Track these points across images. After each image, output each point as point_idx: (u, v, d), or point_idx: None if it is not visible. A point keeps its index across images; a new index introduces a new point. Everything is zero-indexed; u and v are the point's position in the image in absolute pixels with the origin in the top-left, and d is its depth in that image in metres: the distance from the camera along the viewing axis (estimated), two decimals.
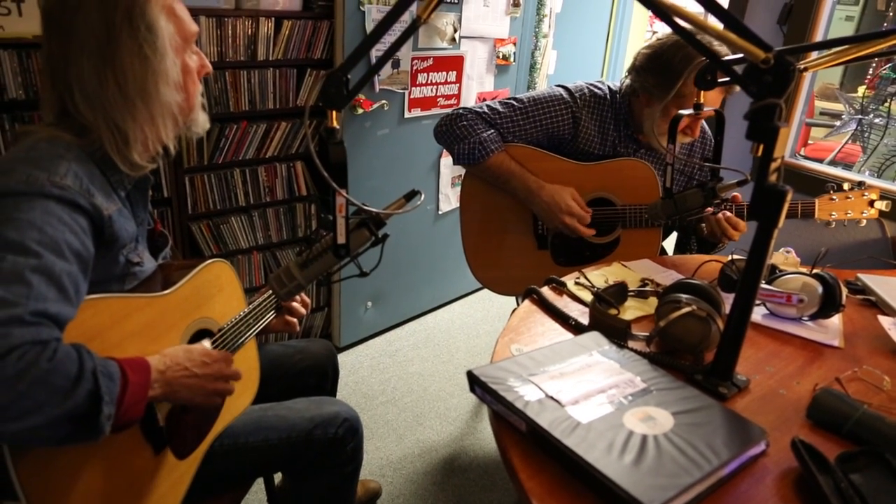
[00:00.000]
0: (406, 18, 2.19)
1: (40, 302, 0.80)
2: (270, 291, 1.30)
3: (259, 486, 1.67)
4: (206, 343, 1.10)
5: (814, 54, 1.38)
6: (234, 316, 1.24)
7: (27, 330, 0.77)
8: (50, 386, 0.77)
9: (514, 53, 2.88)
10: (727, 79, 1.34)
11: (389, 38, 2.11)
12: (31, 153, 0.93)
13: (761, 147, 0.91)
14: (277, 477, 1.69)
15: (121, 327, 0.97)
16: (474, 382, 0.95)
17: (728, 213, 1.67)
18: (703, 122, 1.89)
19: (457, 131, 1.78)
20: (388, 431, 2.24)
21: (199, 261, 1.20)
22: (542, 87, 3.35)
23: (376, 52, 2.25)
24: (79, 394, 0.79)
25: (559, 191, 1.75)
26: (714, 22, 0.96)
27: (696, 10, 0.97)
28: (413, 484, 2.02)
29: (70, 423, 0.80)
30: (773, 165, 0.91)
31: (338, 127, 1.00)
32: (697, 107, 1.42)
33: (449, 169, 2.85)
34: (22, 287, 0.79)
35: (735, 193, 1.66)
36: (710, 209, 1.64)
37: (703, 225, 1.72)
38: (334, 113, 0.98)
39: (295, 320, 1.40)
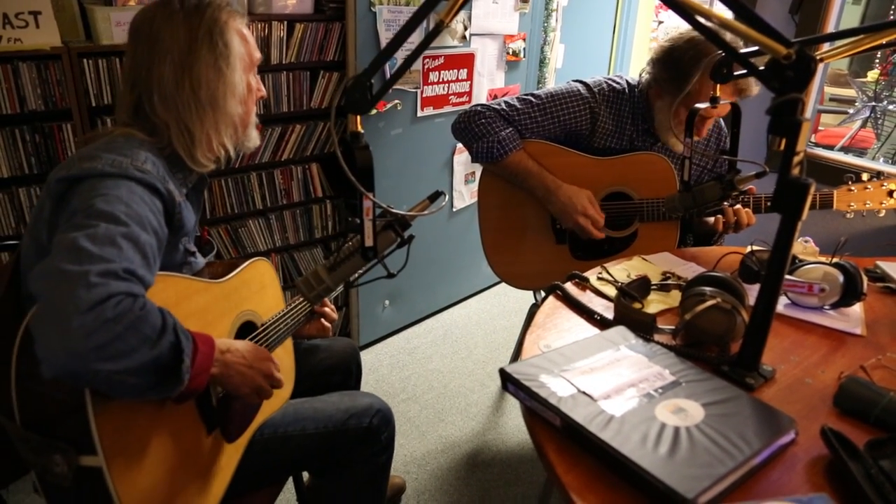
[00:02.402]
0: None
1: (130, 262, 0.89)
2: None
3: (289, 487, 1.70)
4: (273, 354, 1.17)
5: (826, 45, 1.39)
6: (275, 313, 1.31)
7: (122, 283, 0.85)
8: (140, 333, 0.84)
9: (524, 49, 2.89)
10: (743, 71, 1.35)
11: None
12: (111, 144, 1.05)
13: (783, 141, 0.92)
14: (305, 476, 1.71)
15: (184, 306, 1.06)
16: (507, 380, 0.97)
17: (739, 207, 1.68)
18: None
19: (475, 129, 1.80)
20: (410, 428, 2.26)
21: (242, 259, 1.28)
22: (552, 81, 3.35)
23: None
24: (163, 344, 0.87)
25: (576, 192, 1.76)
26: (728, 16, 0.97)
27: (718, 8, 0.99)
28: (437, 480, 2.04)
29: (154, 374, 0.87)
30: (796, 159, 0.92)
31: (362, 131, 1.02)
32: (714, 100, 1.43)
33: (462, 166, 2.87)
34: (115, 249, 0.88)
35: (751, 186, 1.67)
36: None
37: (720, 217, 1.73)
38: (358, 117, 1.01)
39: (329, 325, 1.48)
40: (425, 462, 2.11)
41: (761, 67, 0.93)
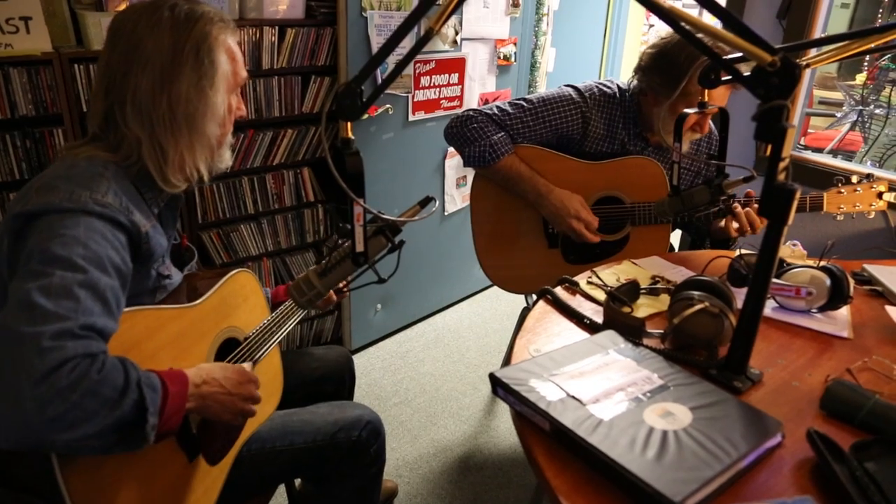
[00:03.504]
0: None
1: (88, 316, 0.84)
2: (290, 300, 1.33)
3: (280, 491, 1.70)
4: (247, 365, 1.14)
5: (814, 50, 1.40)
6: (258, 324, 1.28)
7: (79, 343, 0.80)
8: (99, 397, 0.80)
9: (515, 53, 2.90)
10: (731, 77, 1.36)
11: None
12: (71, 171, 0.97)
13: (769, 147, 0.93)
14: (297, 481, 1.71)
15: (155, 338, 1.01)
16: (497, 384, 0.98)
17: (749, 209, 1.68)
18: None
19: (467, 133, 1.80)
20: (402, 432, 2.27)
21: (224, 271, 1.24)
22: (543, 85, 3.37)
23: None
24: (126, 404, 0.83)
25: (568, 196, 1.77)
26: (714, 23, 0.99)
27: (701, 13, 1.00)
28: (430, 483, 2.05)
29: (118, 432, 0.83)
30: (782, 165, 0.93)
31: (353, 137, 1.02)
32: (702, 105, 1.44)
33: (454, 170, 2.88)
34: (71, 301, 0.83)
35: (748, 189, 1.68)
36: (737, 205, 1.66)
37: (731, 219, 1.70)
38: (349, 124, 1.01)
39: (335, 297, 1.46)
40: (417, 466, 2.11)
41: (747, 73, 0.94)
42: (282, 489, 1.75)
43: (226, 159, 1.20)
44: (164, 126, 1.04)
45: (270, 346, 1.29)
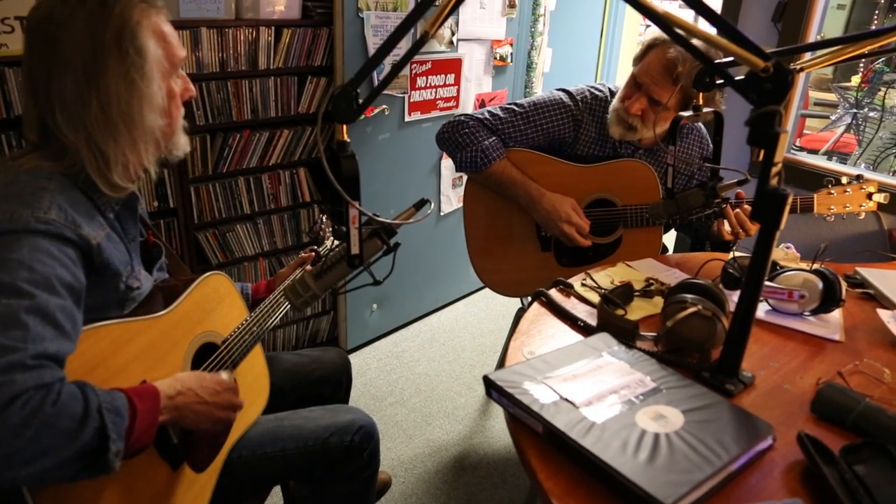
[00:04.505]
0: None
1: (39, 343, 0.79)
2: (272, 297, 1.33)
3: (276, 491, 1.70)
4: (224, 374, 1.11)
5: (808, 54, 1.41)
6: (236, 325, 1.26)
7: (29, 375, 0.76)
8: (56, 429, 0.76)
9: (511, 54, 2.91)
10: (724, 81, 1.37)
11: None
12: (11, 188, 0.92)
13: (762, 152, 0.94)
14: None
15: (123, 352, 0.97)
16: (491, 387, 0.98)
17: (740, 211, 1.69)
18: (701, 125, 1.93)
19: (459, 139, 1.81)
20: (397, 432, 2.27)
21: (195, 276, 1.21)
22: (539, 85, 3.37)
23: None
24: (86, 433, 0.79)
25: (560, 200, 1.78)
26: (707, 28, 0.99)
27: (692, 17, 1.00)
28: (424, 483, 2.05)
29: (80, 462, 0.80)
30: (774, 170, 0.94)
31: (348, 140, 1.03)
32: (696, 108, 1.45)
33: (450, 171, 2.88)
34: (19, 331, 0.78)
35: (739, 191, 1.69)
36: (727, 207, 1.67)
37: (723, 222, 1.70)
38: (345, 127, 1.02)
39: None
40: (412, 465, 2.12)
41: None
42: (277, 490, 1.75)
43: (181, 146, 1.12)
44: (99, 128, 0.96)
45: (252, 345, 1.26)
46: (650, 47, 1.70)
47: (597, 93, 1.87)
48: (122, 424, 0.84)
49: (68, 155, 0.97)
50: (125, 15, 0.96)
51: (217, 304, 1.24)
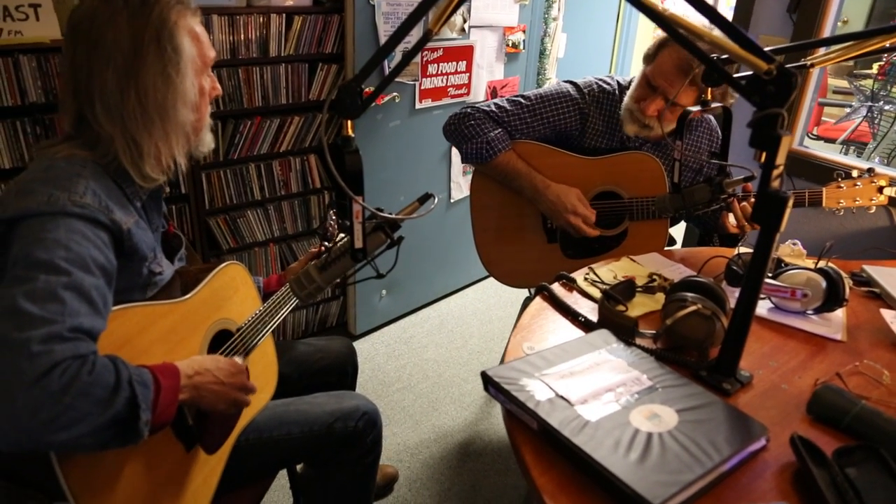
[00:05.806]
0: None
1: (75, 318, 0.85)
2: (282, 291, 1.35)
3: (283, 473, 1.74)
4: (238, 358, 1.15)
5: (821, 49, 1.39)
6: (250, 315, 1.30)
7: (67, 346, 0.81)
8: (92, 397, 0.82)
9: (524, 41, 2.89)
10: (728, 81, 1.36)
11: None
12: (49, 173, 0.97)
13: (764, 154, 0.94)
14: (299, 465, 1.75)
15: (147, 334, 1.03)
16: (488, 382, 1.00)
17: (746, 204, 1.68)
18: (711, 117, 1.91)
19: (465, 131, 1.81)
20: (404, 417, 2.30)
21: (214, 264, 1.26)
22: (553, 72, 3.35)
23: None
24: (118, 402, 0.84)
25: (565, 191, 1.78)
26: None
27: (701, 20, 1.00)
28: (429, 469, 2.08)
29: (112, 430, 0.85)
30: (776, 172, 0.94)
31: (353, 135, 1.04)
32: (704, 103, 1.44)
33: (460, 158, 2.88)
34: (57, 305, 0.84)
35: (746, 184, 1.68)
36: (734, 200, 1.66)
37: (728, 215, 1.71)
38: (349, 122, 1.03)
39: None
40: (418, 451, 2.15)
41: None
42: (283, 472, 1.79)
43: (207, 142, 1.19)
44: (135, 120, 1.03)
45: (263, 335, 1.31)
46: (661, 46, 1.68)
47: (604, 86, 1.85)
48: (150, 396, 0.89)
49: (101, 145, 1.04)
50: (164, 15, 1.03)
51: (233, 292, 1.29)
